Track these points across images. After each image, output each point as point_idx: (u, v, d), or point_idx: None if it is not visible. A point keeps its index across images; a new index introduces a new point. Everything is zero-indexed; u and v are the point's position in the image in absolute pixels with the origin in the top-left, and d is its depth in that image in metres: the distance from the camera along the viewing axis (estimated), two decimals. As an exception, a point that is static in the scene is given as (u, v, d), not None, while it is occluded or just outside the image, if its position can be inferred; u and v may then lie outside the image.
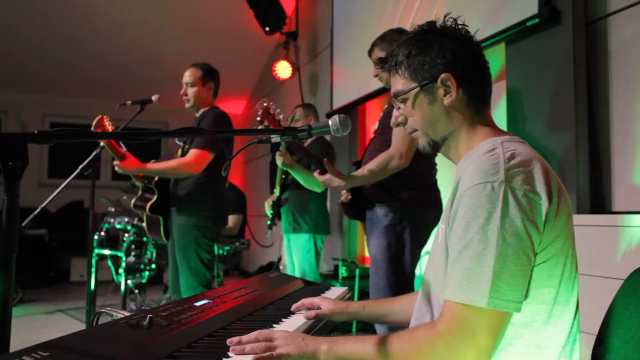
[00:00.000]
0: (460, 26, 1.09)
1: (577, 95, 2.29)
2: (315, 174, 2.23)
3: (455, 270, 0.90)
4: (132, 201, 2.92)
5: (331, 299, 1.39)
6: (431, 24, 1.10)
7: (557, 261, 0.93)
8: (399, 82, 1.11)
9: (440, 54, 1.06)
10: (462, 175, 0.98)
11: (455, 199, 0.96)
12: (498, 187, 0.88)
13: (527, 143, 1.03)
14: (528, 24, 2.46)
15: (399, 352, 0.90)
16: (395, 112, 1.16)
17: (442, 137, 1.10)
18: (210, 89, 2.95)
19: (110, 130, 2.58)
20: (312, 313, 1.30)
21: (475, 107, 1.08)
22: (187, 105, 2.95)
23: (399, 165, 2.09)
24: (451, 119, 1.07)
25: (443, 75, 1.05)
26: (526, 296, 0.90)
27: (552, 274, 0.92)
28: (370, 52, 2.36)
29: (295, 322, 1.26)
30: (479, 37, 1.13)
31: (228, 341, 0.97)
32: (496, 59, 2.94)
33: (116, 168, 2.70)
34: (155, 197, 2.83)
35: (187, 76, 2.91)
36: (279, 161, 2.34)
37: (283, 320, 1.27)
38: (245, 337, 0.98)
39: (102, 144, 2.60)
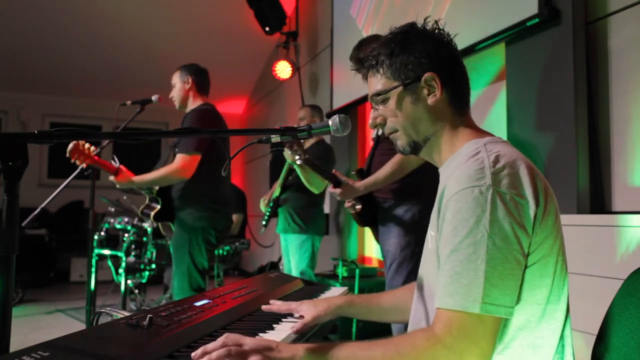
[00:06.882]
0: (440, 29, 1.10)
1: (577, 95, 2.29)
2: (330, 189, 2.23)
3: (444, 275, 0.89)
4: (140, 209, 2.92)
5: (310, 302, 1.29)
6: (412, 25, 1.10)
7: (547, 261, 0.93)
8: (379, 82, 1.10)
9: (424, 53, 1.06)
10: (448, 181, 0.97)
11: (442, 204, 0.96)
12: (485, 191, 0.88)
13: (509, 143, 1.03)
14: (528, 24, 2.46)
15: (396, 356, 0.86)
16: (373, 113, 1.14)
17: (424, 138, 1.09)
18: (188, 82, 2.90)
19: (90, 155, 2.51)
20: (299, 325, 1.20)
21: (457, 108, 1.08)
22: (176, 106, 2.96)
23: (418, 162, 2.09)
24: (434, 119, 1.07)
25: (427, 74, 1.05)
26: (520, 298, 0.90)
27: (543, 274, 0.92)
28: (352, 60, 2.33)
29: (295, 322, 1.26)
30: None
31: (192, 355, 0.88)
32: (496, 59, 2.93)
33: (116, 184, 2.70)
34: (159, 206, 2.83)
35: (172, 80, 2.96)
36: (287, 156, 2.31)
37: (282, 320, 1.27)
38: (210, 345, 0.89)
39: (85, 166, 2.51)
